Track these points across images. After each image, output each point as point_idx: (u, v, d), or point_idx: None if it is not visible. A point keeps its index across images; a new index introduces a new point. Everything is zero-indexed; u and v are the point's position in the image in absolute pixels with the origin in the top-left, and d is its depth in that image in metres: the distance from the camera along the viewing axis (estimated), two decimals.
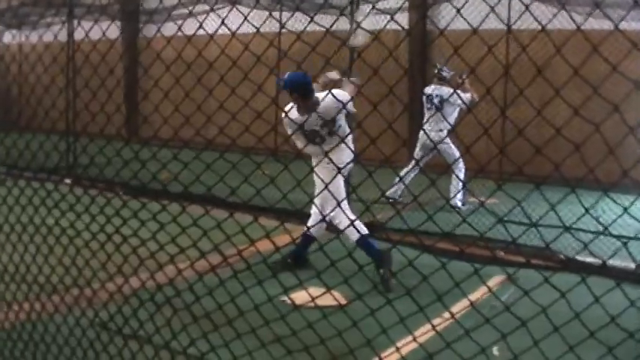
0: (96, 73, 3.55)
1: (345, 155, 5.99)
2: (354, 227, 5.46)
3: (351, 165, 6.38)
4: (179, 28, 3.03)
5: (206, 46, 2.97)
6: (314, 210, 6.37)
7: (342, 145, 5.91)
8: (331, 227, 6.49)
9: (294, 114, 6.02)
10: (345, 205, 6.13)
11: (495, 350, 3.82)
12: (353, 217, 5.98)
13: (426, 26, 14.05)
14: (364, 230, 6.12)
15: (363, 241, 5.97)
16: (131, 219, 3.31)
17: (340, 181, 6.19)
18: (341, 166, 5.69)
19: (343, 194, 6.31)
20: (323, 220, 5.33)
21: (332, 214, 5.77)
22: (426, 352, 2.79)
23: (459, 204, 9.66)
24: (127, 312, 3.45)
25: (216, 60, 2.88)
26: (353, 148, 6.48)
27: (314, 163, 6.09)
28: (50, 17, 12.95)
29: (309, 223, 6.36)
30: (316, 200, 6.03)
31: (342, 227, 5.97)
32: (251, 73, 2.79)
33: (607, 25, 2.61)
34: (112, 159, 3.41)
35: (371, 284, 5.15)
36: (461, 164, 9.62)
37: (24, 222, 3.89)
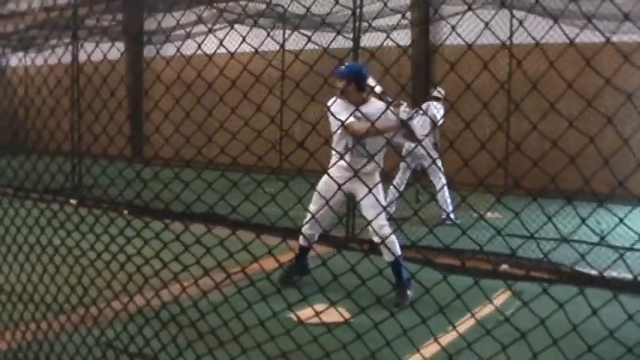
0: (98, 94, 3.60)
1: (377, 170, 5.97)
2: (387, 245, 5.47)
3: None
4: (178, 50, 3.07)
5: (205, 67, 3.02)
6: (311, 222, 6.13)
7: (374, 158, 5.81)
8: (321, 239, 6.46)
9: (338, 103, 5.91)
10: (385, 218, 6.03)
11: None
12: (390, 232, 5.95)
13: (428, 42, 14.12)
14: (399, 251, 5.98)
15: (398, 263, 5.87)
16: (135, 238, 3.34)
17: (382, 190, 6.01)
18: (376, 175, 5.83)
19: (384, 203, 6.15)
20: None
21: (374, 225, 5.68)
22: None
23: (452, 216, 9.79)
24: (132, 330, 3.47)
25: (215, 79, 2.92)
26: (382, 166, 6.25)
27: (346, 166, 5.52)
28: (55, 40, 13.08)
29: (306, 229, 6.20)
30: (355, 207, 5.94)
31: (380, 239, 5.68)
32: (252, 93, 2.82)
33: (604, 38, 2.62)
34: (116, 179, 3.46)
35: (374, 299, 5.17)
36: (440, 174, 9.85)
37: (31, 242, 3.93)
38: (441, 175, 9.81)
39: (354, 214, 8.24)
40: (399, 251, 5.96)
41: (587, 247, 6.83)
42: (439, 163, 9.81)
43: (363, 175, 5.36)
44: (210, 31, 3.21)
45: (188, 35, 3.22)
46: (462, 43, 2.80)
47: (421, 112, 9.89)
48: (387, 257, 5.76)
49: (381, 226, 5.84)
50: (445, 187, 9.65)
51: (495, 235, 2.62)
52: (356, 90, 5.97)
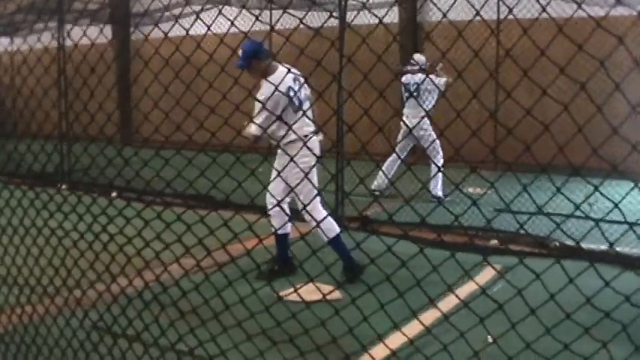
0: (78, 73, 3.56)
1: (315, 144, 5.81)
2: (322, 225, 5.15)
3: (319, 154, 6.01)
4: (156, 25, 3.03)
5: (181, 45, 2.98)
6: (275, 210, 5.69)
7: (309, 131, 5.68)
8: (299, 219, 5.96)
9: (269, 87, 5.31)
10: (318, 200, 5.90)
11: (490, 338, 3.81)
12: (324, 213, 5.87)
13: (416, 19, 14.04)
14: (336, 229, 5.86)
15: (335, 241, 5.72)
16: (117, 217, 3.32)
17: (313, 173, 5.78)
18: (309, 157, 5.34)
19: (316, 187, 5.81)
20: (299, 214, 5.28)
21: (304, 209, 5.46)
22: (411, 342, 2.81)
23: (440, 193, 9.62)
24: (115, 311, 3.46)
25: (192, 53, 2.88)
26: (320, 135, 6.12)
27: (284, 149, 5.29)
28: (41, 24, 12.94)
29: (275, 222, 5.81)
30: (280, 193, 5.73)
31: (314, 223, 5.56)
32: (237, 73, 2.78)
33: (593, 12, 2.59)
34: (98, 157, 3.42)
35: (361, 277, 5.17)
36: (440, 154, 9.71)
37: (15, 225, 3.91)
38: (438, 156, 9.67)
39: (343, 191, 8.17)
40: (336, 228, 5.86)
41: (575, 220, 6.83)
42: (437, 141, 9.60)
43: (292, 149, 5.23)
44: (198, 15, 3.17)
45: (166, 11, 3.17)
46: (452, 20, 2.76)
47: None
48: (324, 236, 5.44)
49: (310, 207, 5.58)
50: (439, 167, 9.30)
51: (470, 207, 2.60)
52: (259, 63, 5.78)
